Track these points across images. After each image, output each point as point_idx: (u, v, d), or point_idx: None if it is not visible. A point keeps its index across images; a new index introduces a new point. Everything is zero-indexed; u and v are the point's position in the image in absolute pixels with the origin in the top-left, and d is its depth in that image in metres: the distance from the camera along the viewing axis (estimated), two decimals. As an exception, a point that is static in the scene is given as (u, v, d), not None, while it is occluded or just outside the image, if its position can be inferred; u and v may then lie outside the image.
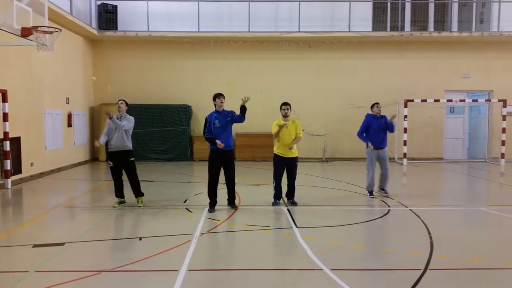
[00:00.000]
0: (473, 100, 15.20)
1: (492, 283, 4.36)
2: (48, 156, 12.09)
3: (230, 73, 15.54)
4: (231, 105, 8.04)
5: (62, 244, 5.51)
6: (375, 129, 8.41)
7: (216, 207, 7.40)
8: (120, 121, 7.38)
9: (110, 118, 7.19)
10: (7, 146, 9.55)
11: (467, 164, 14.58)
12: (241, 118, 7.25)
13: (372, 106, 8.62)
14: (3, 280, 4.42)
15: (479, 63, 15.64)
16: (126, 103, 7.62)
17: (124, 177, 7.67)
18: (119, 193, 7.67)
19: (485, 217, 7.30)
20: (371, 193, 8.56)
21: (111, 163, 7.54)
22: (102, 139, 7.54)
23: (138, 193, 7.69)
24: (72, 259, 5.01)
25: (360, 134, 8.65)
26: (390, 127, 8.42)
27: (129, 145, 7.52)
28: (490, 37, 14.85)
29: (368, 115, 8.65)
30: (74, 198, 8.85)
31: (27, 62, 10.95)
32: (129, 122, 7.45)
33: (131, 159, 7.58)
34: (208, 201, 7.43)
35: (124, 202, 7.72)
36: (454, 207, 8.00)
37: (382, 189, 8.72)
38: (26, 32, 8.52)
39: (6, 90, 9.51)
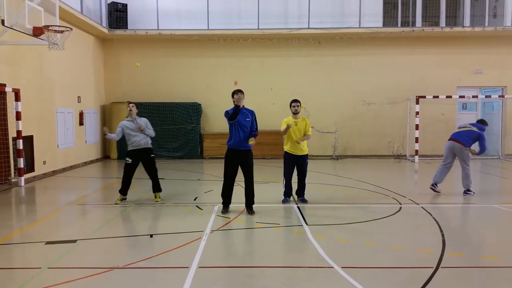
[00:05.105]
0: (486, 96, 14.94)
1: (507, 281, 4.29)
2: (60, 154, 12.23)
3: (240, 70, 15.53)
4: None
5: (75, 241, 5.58)
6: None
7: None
8: (135, 123, 7.74)
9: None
10: (20, 144, 9.69)
11: (480, 161, 14.34)
12: (254, 132, 6.99)
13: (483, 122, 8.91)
14: (17, 276, 4.49)
15: (492, 59, 15.39)
16: (137, 106, 7.88)
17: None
18: (125, 190, 7.85)
19: (499, 214, 7.19)
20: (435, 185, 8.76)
21: (130, 160, 7.72)
22: (113, 137, 7.80)
23: (158, 188, 7.99)
24: (84, 256, 5.07)
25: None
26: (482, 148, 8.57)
27: (150, 142, 7.94)
28: (504, 31, 14.59)
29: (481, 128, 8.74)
30: (86, 196, 8.94)
31: (39, 62, 11.08)
32: (149, 126, 7.88)
33: (151, 155, 7.90)
34: (221, 200, 7.15)
35: (125, 199, 7.93)
36: (466, 204, 7.90)
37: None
38: (37, 32, 8.63)
39: (19, 89, 9.63)
